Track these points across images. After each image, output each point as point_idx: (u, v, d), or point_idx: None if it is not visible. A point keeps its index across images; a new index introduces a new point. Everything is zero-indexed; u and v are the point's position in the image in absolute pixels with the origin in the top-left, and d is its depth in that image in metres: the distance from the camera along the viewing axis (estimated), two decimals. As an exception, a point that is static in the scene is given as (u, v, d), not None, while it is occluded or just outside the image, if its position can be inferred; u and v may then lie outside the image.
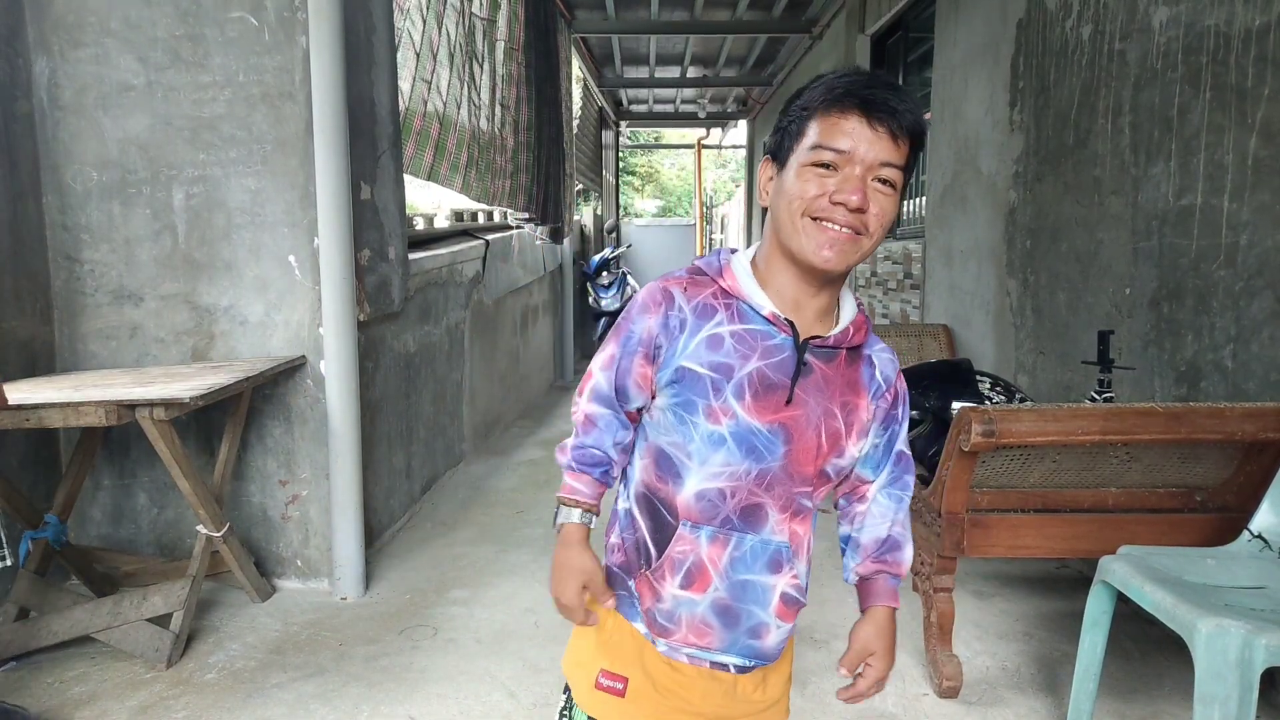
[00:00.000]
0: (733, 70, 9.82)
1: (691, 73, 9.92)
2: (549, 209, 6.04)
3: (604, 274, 8.82)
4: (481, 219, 5.37)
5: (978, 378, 2.91)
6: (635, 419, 1.12)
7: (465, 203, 5.28)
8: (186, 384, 2.32)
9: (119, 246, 2.80)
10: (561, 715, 1.19)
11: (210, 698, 2.18)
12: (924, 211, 4.91)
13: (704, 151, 15.77)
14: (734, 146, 16.31)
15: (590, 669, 1.12)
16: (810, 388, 1.02)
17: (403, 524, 3.50)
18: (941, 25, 4.47)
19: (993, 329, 3.82)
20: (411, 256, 3.56)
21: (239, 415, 2.68)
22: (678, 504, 1.05)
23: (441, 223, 4.84)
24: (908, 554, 1.15)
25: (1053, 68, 3.30)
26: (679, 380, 1.02)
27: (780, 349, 1.02)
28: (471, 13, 4.49)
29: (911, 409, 2.82)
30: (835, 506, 1.20)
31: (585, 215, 9.86)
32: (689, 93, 11.57)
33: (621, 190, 17.07)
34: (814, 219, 0.97)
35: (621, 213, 15.32)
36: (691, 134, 14.45)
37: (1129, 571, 1.74)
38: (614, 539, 1.14)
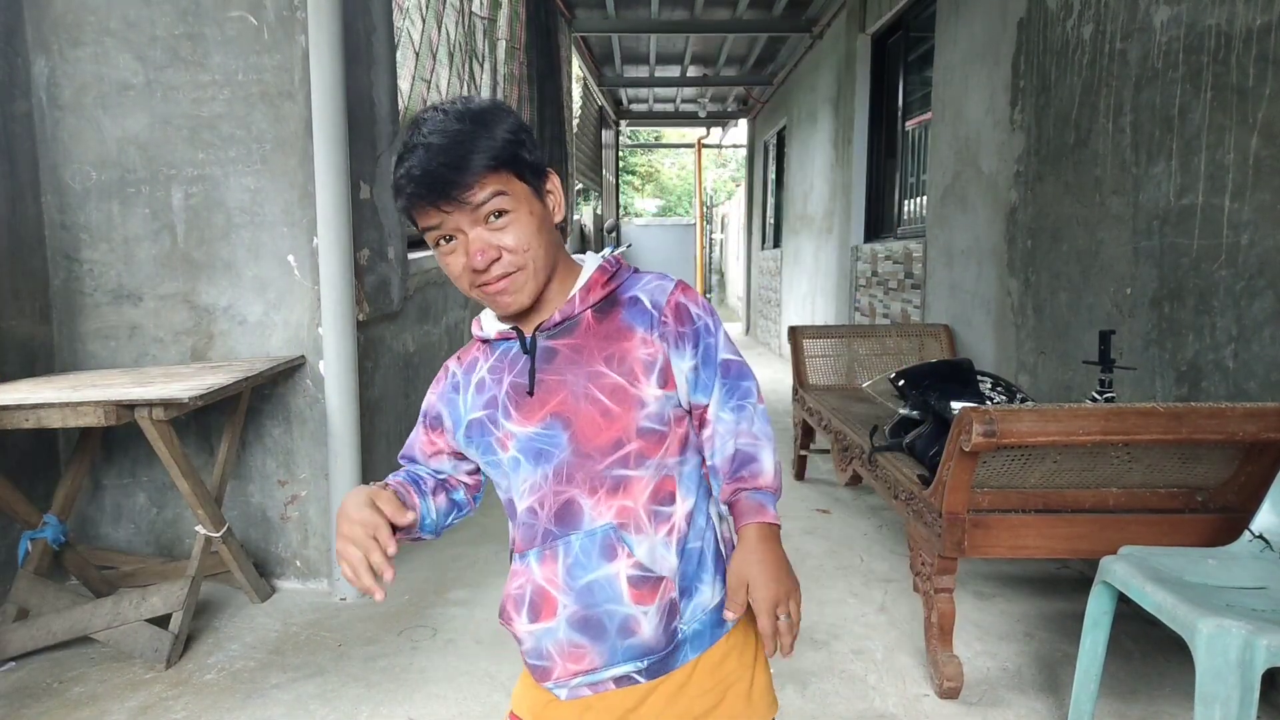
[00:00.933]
0: (733, 70, 9.82)
1: (691, 72, 9.92)
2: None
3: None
4: (481, 218, 5.37)
5: (978, 378, 2.91)
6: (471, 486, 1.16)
7: (465, 202, 5.28)
8: (185, 384, 2.32)
9: (118, 246, 2.80)
10: None
11: (209, 698, 2.17)
12: (924, 211, 4.91)
13: (704, 151, 15.78)
14: (734, 146, 16.31)
15: (508, 707, 1.14)
16: (562, 366, 1.02)
17: (402, 524, 3.49)
18: (942, 25, 4.46)
19: (993, 329, 3.82)
20: (411, 256, 3.56)
21: (238, 415, 2.68)
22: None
23: (441, 222, 4.83)
24: (765, 463, 1.06)
25: (1053, 67, 3.30)
26: (469, 432, 1.07)
27: (520, 355, 1.05)
28: (471, 12, 4.49)
29: (912, 409, 2.85)
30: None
31: (585, 215, 9.86)
32: (689, 92, 11.58)
33: (621, 190, 17.07)
34: (477, 289, 1.01)
35: (621, 212, 15.33)
36: (691, 133, 14.45)
37: (1130, 572, 1.74)
38: None
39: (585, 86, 9.23)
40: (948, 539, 2.10)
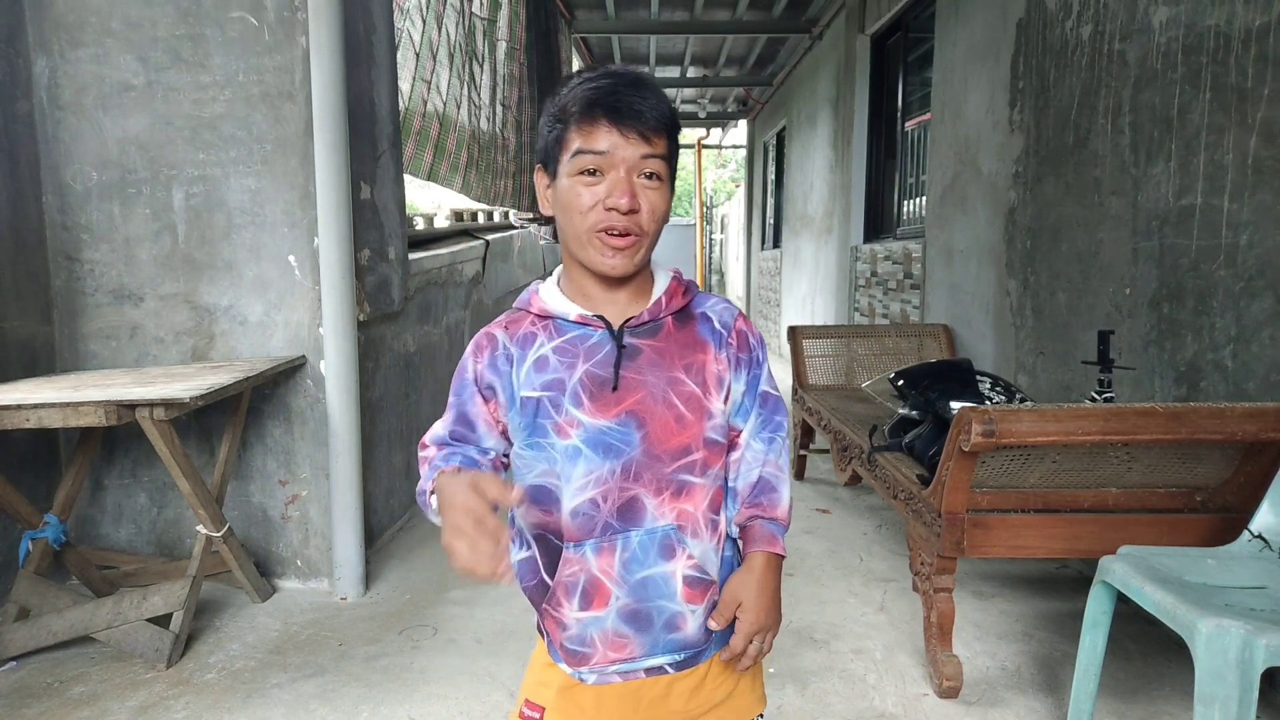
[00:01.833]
0: (733, 70, 9.83)
1: (691, 73, 9.93)
2: (550, 209, 6.04)
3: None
4: (481, 219, 5.38)
5: (978, 378, 2.91)
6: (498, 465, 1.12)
7: (465, 202, 5.29)
8: (186, 384, 2.32)
9: (119, 246, 2.80)
10: None
11: (210, 698, 2.18)
12: (924, 211, 4.91)
13: (704, 151, 15.78)
14: (734, 146, 16.32)
15: (521, 696, 1.14)
16: (644, 367, 1.03)
17: (403, 524, 3.50)
18: (941, 25, 4.47)
19: (993, 329, 3.82)
20: (411, 256, 3.56)
21: (239, 415, 2.68)
22: (563, 528, 1.05)
23: (441, 222, 4.84)
24: (783, 495, 1.12)
25: (1053, 68, 3.30)
26: (523, 411, 1.05)
27: (601, 345, 1.04)
28: (472, 13, 4.49)
29: (911, 409, 2.85)
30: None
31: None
32: (689, 92, 11.58)
33: (621, 190, 17.07)
34: (596, 232, 1.00)
35: (621, 213, 15.33)
36: (691, 134, 14.45)
37: (1129, 572, 1.74)
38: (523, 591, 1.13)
39: (585, 87, 9.24)
40: (947, 539, 2.11)
